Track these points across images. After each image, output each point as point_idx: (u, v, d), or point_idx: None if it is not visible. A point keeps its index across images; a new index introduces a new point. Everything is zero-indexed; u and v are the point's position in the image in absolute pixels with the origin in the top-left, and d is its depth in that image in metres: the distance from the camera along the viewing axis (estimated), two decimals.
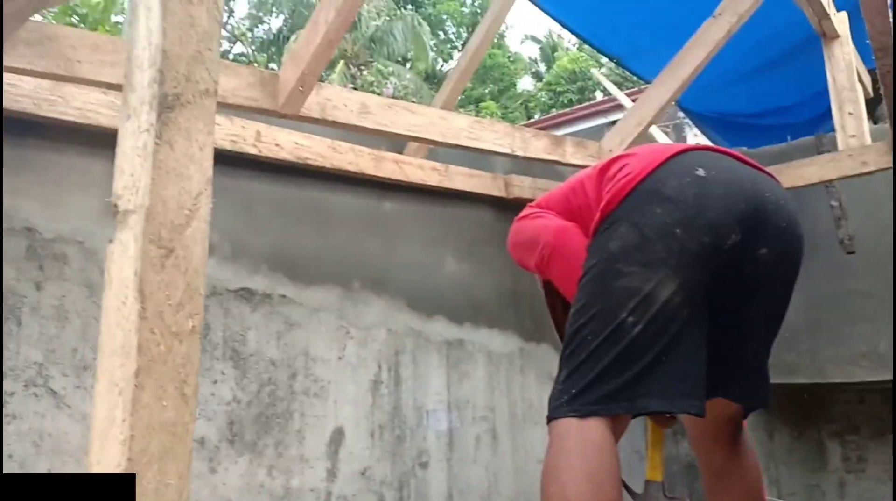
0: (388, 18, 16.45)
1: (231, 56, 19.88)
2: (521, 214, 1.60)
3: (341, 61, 15.65)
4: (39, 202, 1.58)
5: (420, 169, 2.48)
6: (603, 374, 1.15)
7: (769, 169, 2.93)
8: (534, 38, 18.63)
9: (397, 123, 1.93)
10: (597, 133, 8.21)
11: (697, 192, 1.18)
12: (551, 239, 1.40)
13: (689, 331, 1.17)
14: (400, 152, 2.50)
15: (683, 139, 7.17)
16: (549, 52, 18.12)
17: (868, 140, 2.78)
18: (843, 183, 3.22)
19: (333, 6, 1.58)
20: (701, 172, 1.19)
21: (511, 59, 17.81)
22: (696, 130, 5.49)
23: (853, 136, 2.80)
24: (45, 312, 1.62)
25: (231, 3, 19.59)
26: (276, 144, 2.03)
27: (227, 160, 1.89)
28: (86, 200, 1.65)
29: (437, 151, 2.54)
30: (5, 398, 1.55)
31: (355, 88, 15.24)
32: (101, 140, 1.56)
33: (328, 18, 1.59)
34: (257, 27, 20.78)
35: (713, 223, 1.18)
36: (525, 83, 18.66)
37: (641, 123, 2.62)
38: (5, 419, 1.53)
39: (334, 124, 1.80)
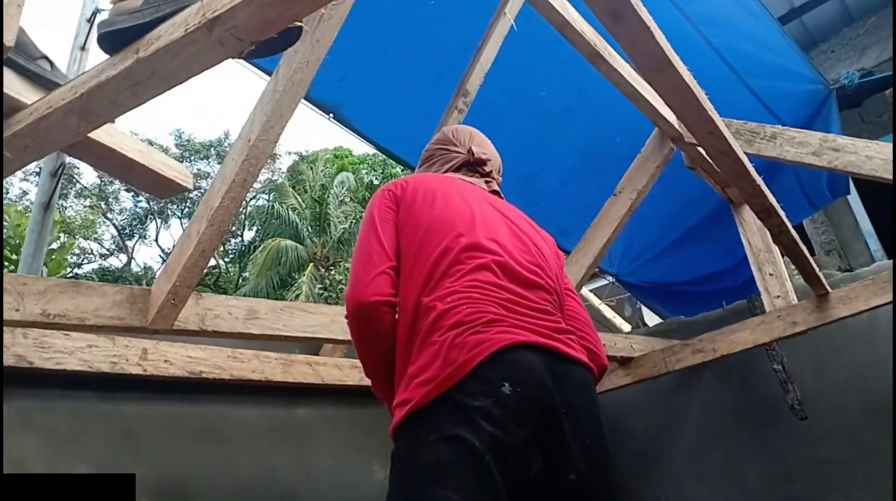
0: (354, 221, 17.25)
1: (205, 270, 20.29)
2: (379, 198, 1.44)
3: (310, 264, 16.08)
4: None
5: (337, 368, 2.36)
6: None
7: (705, 336, 2.94)
8: None
9: (291, 326, 1.85)
10: None
11: (501, 414, 1.08)
12: (351, 314, 1.29)
13: None
14: (316, 353, 2.41)
15: (639, 311, 7.21)
16: None
17: (794, 299, 2.77)
18: (785, 345, 3.18)
19: (205, 218, 1.58)
20: (506, 388, 1.09)
21: None
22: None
23: (778, 296, 2.80)
24: None
25: None
26: (166, 361, 1.92)
27: (104, 384, 1.77)
28: None
29: None
30: None
31: (324, 288, 15.48)
32: None
33: (200, 229, 1.58)
34: (230, 241, 21.50)
35: (517, 451, 1.09)
36: None
37: None
38: None
39: (215, 334, 1.71)
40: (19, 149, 1.01)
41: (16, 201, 17.33)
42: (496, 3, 2.68)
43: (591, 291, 6.65)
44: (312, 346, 2.44)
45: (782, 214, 1.95)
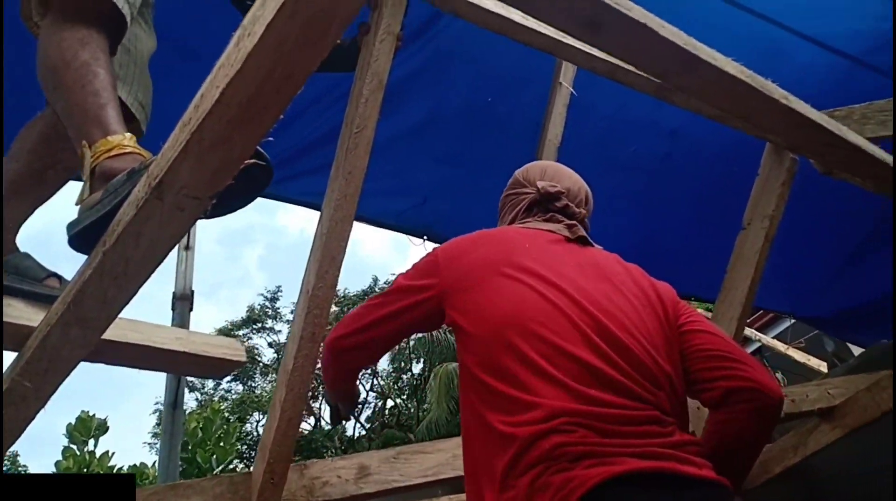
0: None
1: (386, 410, 20.79)
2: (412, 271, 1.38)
3: None
4: None
5: None
6: None
7: None
8: None
9: (409, 473, 1.68)
10: None
11: None
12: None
13: None
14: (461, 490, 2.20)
15: (842, 342, 6.23)
16: None
17: None
18: None
19: (284, 383, 1.50)
20: None
21: None
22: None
23: None
24: None
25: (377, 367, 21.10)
26: None
27: None
28: None
29: None
30: None
31: None
32: None
33: (282, 397, 1.49)
34: (401, 378, 21.97)
35: None
36: None
37: None
38: None
39: None
40: (39, 374, 0.98)
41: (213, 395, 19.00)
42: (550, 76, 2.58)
43: (774, 337, 5.91)
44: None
45: None
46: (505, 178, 2.97)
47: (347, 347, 1.40)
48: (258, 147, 0.91)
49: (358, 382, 1.53)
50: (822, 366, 4.52)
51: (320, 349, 1.51)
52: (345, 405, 1.56)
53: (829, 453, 2.65)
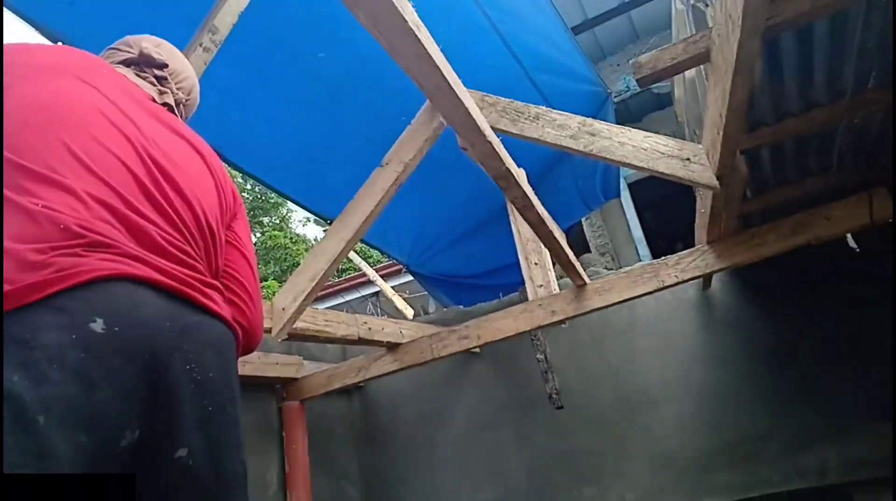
0: None
1: None
2: None
3: None
4: None
5: None
6: None
7: (471, 323, 2.83)
8: (317, 221, 18.98)
9: None
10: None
11: (82, 360, 0.76)
12: None
13: None
14: None
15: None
16: None
17: (555, 289, 2.77)
18: (551, 336, 3.20)
19: None
20: (98, 325, 0.78)
21: (294, 240, 17.73)
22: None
23: (541, 286, 2.77)
24: None
25: None
26: None
27: None
28: None
29: None
30: None
31: None
32: None
33: None
34: None
35: (100, 413, 0.76)
36: None
37: (315, 278, 2.34)
38: None
39: None
40: None
41: None
42: None
43: (395, 286, 6.53)
44: None
45: (526, 189, 1.85)
46: (180, 23, 2.66)
47: None
48: None
49: None
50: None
51: None
52: None
53: (391, 383, 3.04)
